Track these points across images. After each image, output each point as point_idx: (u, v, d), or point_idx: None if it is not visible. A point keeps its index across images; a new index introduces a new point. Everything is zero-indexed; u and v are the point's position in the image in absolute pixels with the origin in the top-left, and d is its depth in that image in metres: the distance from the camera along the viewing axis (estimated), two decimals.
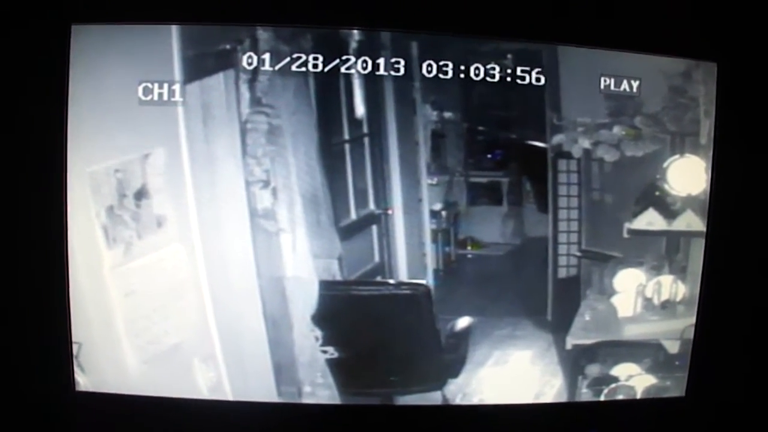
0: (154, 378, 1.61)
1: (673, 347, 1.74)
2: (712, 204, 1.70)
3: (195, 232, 1.60)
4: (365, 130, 1.70)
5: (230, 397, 1.65)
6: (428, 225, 1.74)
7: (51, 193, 1.54)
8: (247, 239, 1.61)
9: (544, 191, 1.72)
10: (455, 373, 1.70)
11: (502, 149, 1.73)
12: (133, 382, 1.60)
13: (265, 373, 1.65)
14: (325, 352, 1.66)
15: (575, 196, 1.73)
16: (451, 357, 1.71)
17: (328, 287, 1.66)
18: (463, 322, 1.71)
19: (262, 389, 1.66)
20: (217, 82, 1.58)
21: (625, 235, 1.73)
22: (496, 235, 1.76)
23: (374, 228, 1.76)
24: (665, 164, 1.72)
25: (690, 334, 1.72)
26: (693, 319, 1.72)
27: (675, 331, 1.74)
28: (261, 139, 1.59)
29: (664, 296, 1.75)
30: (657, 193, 1.73)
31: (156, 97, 1.55)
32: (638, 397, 1.74)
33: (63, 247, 1.55)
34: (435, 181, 1.72)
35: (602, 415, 1.74)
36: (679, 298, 1.75)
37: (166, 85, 1.55)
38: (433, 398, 1.70)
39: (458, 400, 1.70)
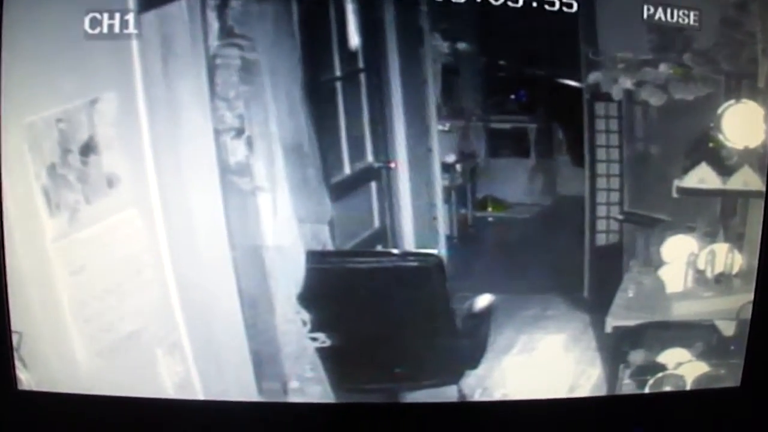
0: (110, 373, 1.52)
1: (728, 329, 1.65)
2: None
3: (154, 194, 1.51)
4: (361, 64, 1.64)
5: (201, 396, 1.57)
6: (439, 181, 1.68)
7: None
8: (217, 201, 1.53)
9: (578, 140, 1.66)
10: (473, 364, 1.62)
11: (527, 89, 1.67)
12: (84, 378, 1.51)
13: (243, 366, 1.57)
14: (314, 339, 1.57)
15: (615, 146, 1.65)
16: (469, 343, 1.64)
17: (317, 259, 1.58)
18: (482, 300, 1.63)
19: (239, 386, 1.58)
20: (179, 9, 1.48)
21: (674, 194, 1.65)
22: (522, 194, 1.71)
23: (373, 185, 1.71)
24: (719, 111, 1.62)
25: (747, 314, 1.62)
26: (751, 296, 1.62)
27: (730, 310, 1.64)
28: (233, 78, 1.51)
29: (719, 268, 1.66)
30: (710, 145, 1.64)
31: (106, 30, 1.45)
32: (688, 388, 1.65)
33: None
34: (447, 127, 1.65)
35: (647, 409, 1.65)
36: (735, 270, 1.66)
37: (117, 15, 1.45)
38: (448, 394, 1.63)
39: (477, 396, 1.63)
